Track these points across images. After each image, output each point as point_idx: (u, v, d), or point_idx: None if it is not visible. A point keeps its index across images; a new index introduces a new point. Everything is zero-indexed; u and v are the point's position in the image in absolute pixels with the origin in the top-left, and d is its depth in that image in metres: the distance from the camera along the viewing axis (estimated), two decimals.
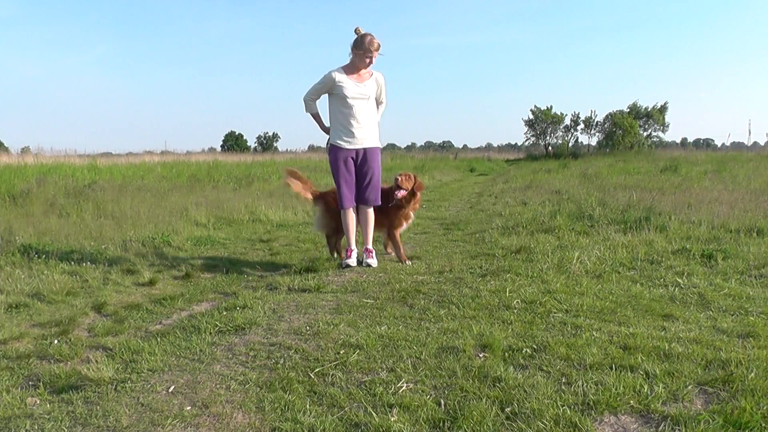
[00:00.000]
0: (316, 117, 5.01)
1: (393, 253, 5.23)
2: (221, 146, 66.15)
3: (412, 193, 5.07)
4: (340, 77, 4.72)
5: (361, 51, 4.65)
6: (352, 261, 4.87)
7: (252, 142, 72.82)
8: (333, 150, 4.85)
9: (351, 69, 4.78)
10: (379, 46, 4.67)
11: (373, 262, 4.89)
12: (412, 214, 5.24)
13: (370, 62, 4.73)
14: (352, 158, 4.85)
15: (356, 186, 4.91)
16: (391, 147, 56.92)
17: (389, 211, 5.09)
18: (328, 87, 4.77)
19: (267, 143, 72.98)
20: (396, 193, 4.97)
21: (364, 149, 4.84)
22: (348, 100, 4.72)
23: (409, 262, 4.99)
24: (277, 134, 75.63)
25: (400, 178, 4.99)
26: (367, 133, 4.83)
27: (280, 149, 57.12)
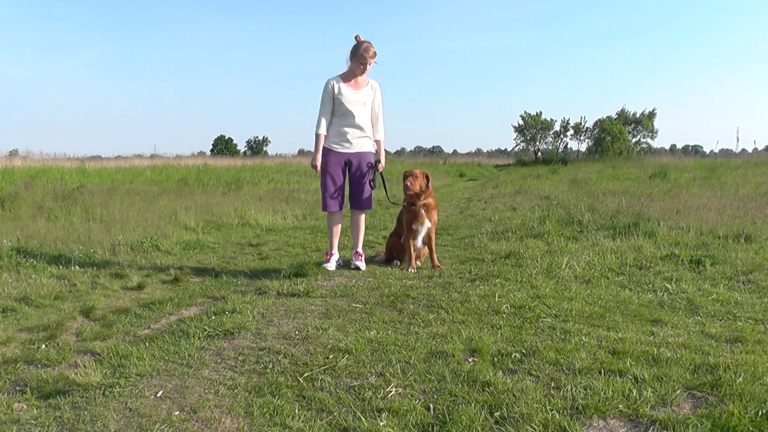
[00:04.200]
0: (318, 140, 4.86)
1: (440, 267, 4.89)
2: (211, 150, 65.88)
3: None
4: (338, 84, 4.78)
5: (357, 58, 4.71)
6: (331, 265, 4.87)
7: (242, 146, 72.69)
8: (327, 153, 4.86)
9: (348, 76, 4.84)
10: (374, 53, 4.72)
11: (362, 265, 4.90)
12: (430, 213, 4.92)
13: (365, 69, 4.78)
14: (346, 163, 4.88)
15: (351, 191, 4.94)
16: None
17: (403, 215, 5.02)
18: (331, 95, 4.79)
19: (257, 147, 72.78)
20: (406, 193, 4.85)
21: (359, 155, 4.87)
22: (345, 106, 4.76)
23: (413, 270, 4.79)
24: (266, 138, 75.36)
25: (407, 183, 4.80)
26: (362, 139, 4.88)
27: (269, 153, 57.09)
